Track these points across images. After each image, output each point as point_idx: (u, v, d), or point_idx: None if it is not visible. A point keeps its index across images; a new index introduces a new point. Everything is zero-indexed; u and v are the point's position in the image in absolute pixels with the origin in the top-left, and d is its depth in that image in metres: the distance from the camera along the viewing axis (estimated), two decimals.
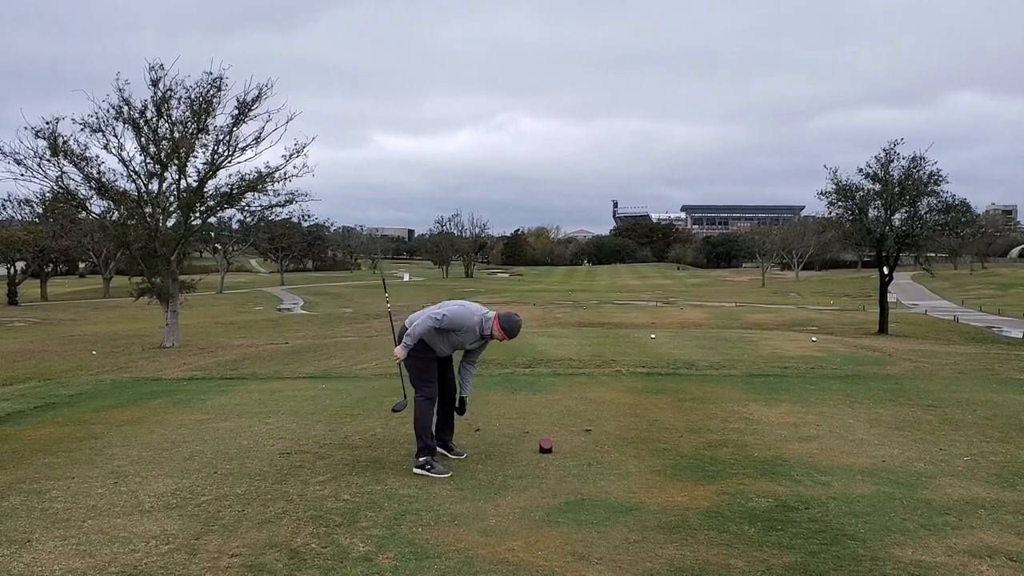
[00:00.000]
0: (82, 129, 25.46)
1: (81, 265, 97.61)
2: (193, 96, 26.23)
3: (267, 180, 27.69)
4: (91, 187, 26.65)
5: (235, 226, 62.74)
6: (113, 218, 29.25)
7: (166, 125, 26.33)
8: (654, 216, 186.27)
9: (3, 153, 25.12)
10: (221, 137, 26.94)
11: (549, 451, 6.29)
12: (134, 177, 26.85)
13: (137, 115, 25.96)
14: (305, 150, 27.46)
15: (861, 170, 30.86)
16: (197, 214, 28.34)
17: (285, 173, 27.64)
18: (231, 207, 29.09)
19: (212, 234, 65.65)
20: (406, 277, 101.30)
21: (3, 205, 61.96)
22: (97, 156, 26.42)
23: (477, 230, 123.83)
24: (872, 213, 31.51)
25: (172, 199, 27.93)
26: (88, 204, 28.27)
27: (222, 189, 27.84)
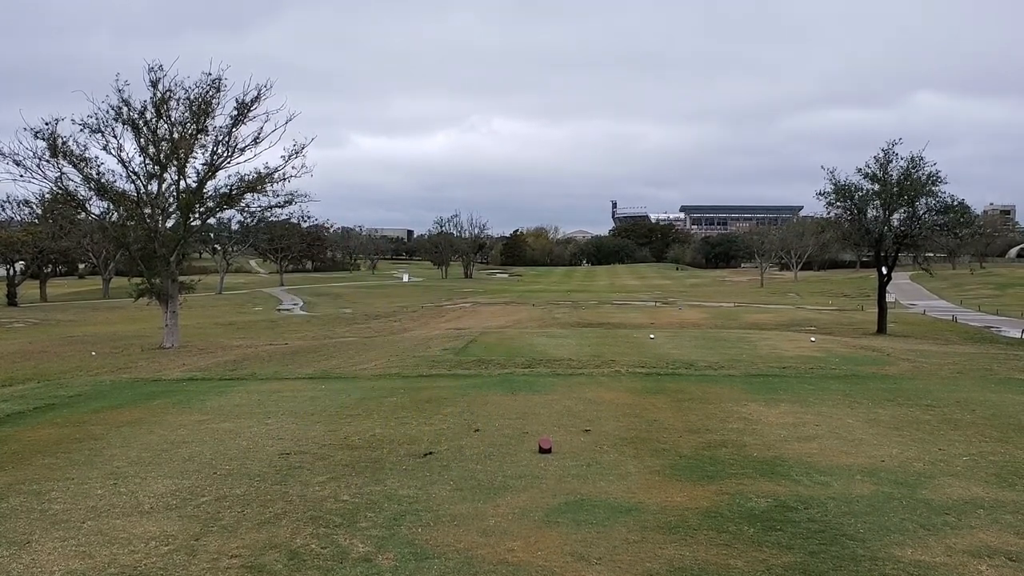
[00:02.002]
0: (81, 130, 25.45)
1: (80, 266, 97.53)
2: (192, 97, 26.24)
3: (266, 181, 27.67)
4: (90, 188, 26.61)
5: (234, 227, 62.69)
6: (112, 219, 29.23)
7: (165, 126, 26.32)
8: (653, 216, 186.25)
9: (2, 154, 25.08)
10: (220, 138, 26.93)
11: (548, 451, 6.30)
12: (133, 178, 26.83)
13: (136, 116, 25.95)
14: (304, 151, 27.43)
15: (860, 170, 30.90)
16: (196, 215, 28.32)
17: (284, 174, 27.65)
18: (230, 208, 29.08)
19: (211, 235, 65.61)
20: (405, 278, 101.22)
21: (2, 206, 61.99)
22: (96, 157, 26.40)
23: (476, 231, 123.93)
24: (871, 213, 31.51)
25: (171, 200, 27.90)
26: (87, 205, 28.24)
27: (221, 190, 27.83)
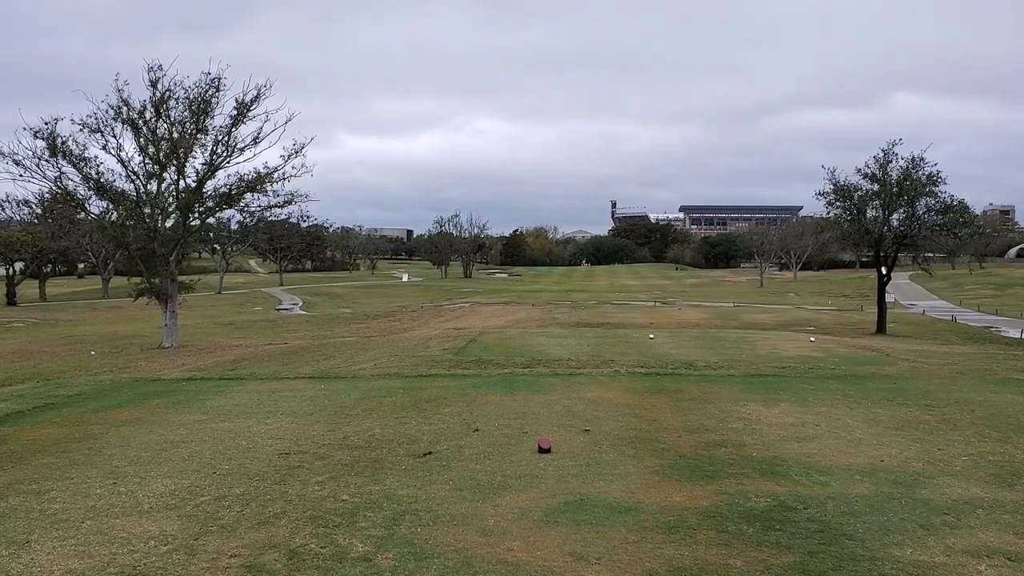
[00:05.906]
0: (81, 129, 25.43)
1: (80, 266, 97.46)
2: (191, 96, 26.23)
3: (266, 180, 27.67)
4: (90, 187, 26.59)
5: (234, 227, 62.61)
6: (112, 218, 29.19)
7: (164, 126, 26.30)
8: (652, 216, 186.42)
9: (1, 154, 25.05)
10: (220, 137, 26.92)
11: (548, 451, 6.30)
12: (133, 178, 26.82)
13: (136, 115, 25.93)
14: (304, 150, 27.42)
15: (859, 170, 30.91)
16: (196, 215, 28.30)
17: (284, 174, 27.64)
18: (230, 207, 29.07)
19: (211, 235, 65.60)
20: (405, 278, 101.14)
21: (2, 206, 62.03)
22: (96, 156, 26.38)
23: (476, 230, 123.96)
24: (870, 213, 31.52)
25: (171, 200, 27.89)
26: (87, 204, 28.24)
27: (221, 190, 27.82)
